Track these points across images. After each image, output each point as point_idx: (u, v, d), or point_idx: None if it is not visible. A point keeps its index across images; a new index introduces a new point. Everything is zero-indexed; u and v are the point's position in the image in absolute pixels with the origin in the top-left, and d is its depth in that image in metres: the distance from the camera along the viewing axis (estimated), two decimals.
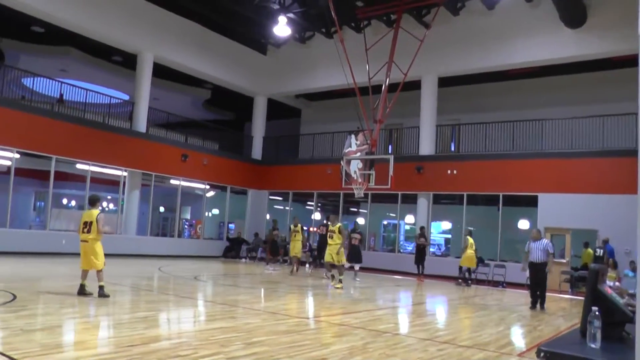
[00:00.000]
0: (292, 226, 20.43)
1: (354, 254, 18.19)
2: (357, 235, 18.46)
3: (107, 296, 9.86)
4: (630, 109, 19.74)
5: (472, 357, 6.80)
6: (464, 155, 23.64)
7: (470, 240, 19.44)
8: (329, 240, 15.78)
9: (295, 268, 19.55)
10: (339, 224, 15.99)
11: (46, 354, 5.44)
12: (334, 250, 15.41)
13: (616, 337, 5.01)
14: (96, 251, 10.23)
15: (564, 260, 20.46)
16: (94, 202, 10.62)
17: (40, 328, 6.90)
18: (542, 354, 4.81)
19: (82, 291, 9.97)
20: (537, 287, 13.68)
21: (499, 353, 7.26)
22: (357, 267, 18.56)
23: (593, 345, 4.41)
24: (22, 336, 6.28)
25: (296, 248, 19.73)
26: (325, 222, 20.58)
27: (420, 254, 20.77)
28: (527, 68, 23.20)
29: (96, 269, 10.09)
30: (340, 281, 15.05)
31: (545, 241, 13.84)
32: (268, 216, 29.27)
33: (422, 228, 21.57)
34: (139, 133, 23.48)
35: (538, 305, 13.45)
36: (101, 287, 9.98)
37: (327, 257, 15.69)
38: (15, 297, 9.14)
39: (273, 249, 22.31)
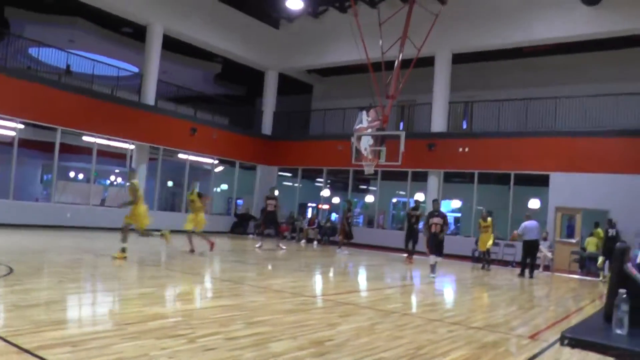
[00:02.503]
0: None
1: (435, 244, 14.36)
2: (436, 220, 14.29)
3: None
4: None
5: (484, 339, 6.57)
6: (476, 132, 23.30)
7: (481, 222, 18.19)
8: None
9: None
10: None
11: (37, 332, 5.21)
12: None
13: None
14: None
15: (574, 241, 20.28)
16: None
17: (34, 304, 6.64)
18: (566, 341, 4.55)
19: None
20: (531, 260, 16.38)
21: (511, 335, 7.09)
22: (435, 259, 14.23)
23: (619, 331, 4.12)
24: (15, 312, 6.08)
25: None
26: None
27: (411, 229, 18.58)
28: (542, 45, 22.70)
29: None
30: (123, 250, 12.22)
31: (535, 222, 16.59)
32: (277, 192, 29.05)
33: (417, 202, 19.99)
34: (148, 106, 23.18)
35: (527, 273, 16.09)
36: None
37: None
38: (11, 270, 8.88)
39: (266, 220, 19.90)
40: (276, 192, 19.92)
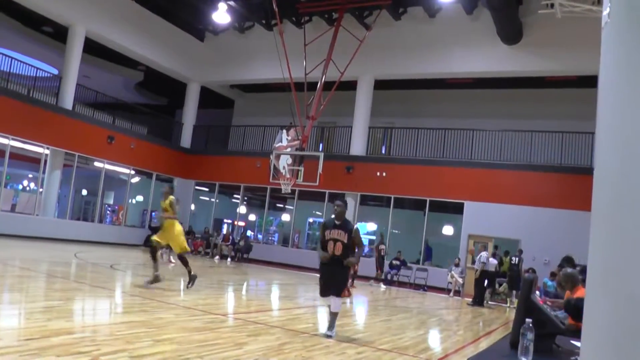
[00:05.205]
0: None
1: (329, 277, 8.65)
2: (336, 233, 8.02)
3: None
4: (556, 127, 20.59)
5: None
6: (395, 158, 23.81)
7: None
8: None
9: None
10: None
11: None
12: None
13: (547, 349, 4.94)
14: None
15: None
16: None
17: None
18: None
19: None
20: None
21: (419, 358, 7.19)
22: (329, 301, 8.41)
23: (524, 359, 4.31)
24: None
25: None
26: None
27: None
28: (462, 78, 23.61)
29: None
30: None
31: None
32: (193, 206, 28.73)
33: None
34: (65, 110, 22.48)
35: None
36: None
37: None
38: None
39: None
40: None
